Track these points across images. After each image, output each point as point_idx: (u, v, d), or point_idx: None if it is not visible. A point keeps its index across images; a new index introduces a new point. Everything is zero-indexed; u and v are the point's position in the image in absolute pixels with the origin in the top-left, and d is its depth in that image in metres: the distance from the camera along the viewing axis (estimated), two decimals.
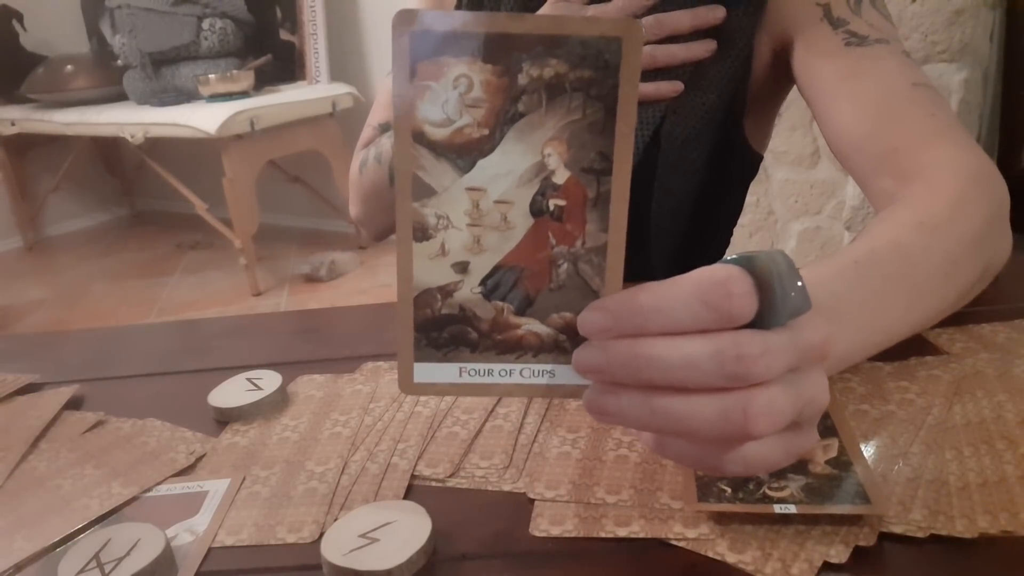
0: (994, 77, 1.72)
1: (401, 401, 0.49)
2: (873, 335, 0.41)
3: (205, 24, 2.86)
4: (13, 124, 3.23)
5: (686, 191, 0.71)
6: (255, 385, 0.51)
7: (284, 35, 3.09)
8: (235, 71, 2.80)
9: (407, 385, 0.35)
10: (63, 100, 3.13)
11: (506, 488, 0.40)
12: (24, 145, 3.46)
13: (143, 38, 2.85)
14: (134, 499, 0.42)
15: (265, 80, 2.93)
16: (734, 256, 0.30)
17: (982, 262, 0.48)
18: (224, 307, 2.73)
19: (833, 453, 0.38)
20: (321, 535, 0.37)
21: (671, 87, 0.66)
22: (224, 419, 0.49)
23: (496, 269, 0.33)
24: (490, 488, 0.40)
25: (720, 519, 0.35)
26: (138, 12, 2.85)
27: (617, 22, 0.30)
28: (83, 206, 3.96)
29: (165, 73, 2.90)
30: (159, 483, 0.43)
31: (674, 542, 0.34)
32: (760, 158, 0.76)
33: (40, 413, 0.52)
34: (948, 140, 0.54)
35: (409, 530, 0.35)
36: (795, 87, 0.68)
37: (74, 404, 0.54)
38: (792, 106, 1.79)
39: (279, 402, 0.51)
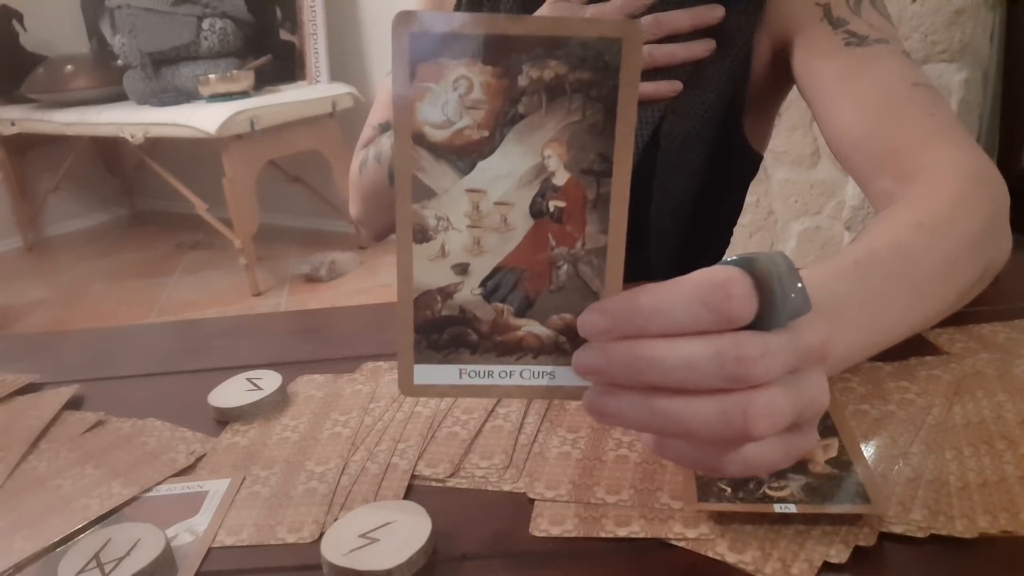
0: (994, 77, 1.72)
1: (401, 401, 0.49)
2: (873, 335, 0.41)
3: (205, 24, 2.86)
4: (13, 124, 3.23)
5: (685, 191, 0.71)
6: (255, 385, 0.51)
7: (284, 35, 3.08)
8: (235, 71, 2.80)
9: (407, 387, 0.35)
10: (63, 100, 3.13)
11: (506, 488, 0.40)
12: (24, 145, 3.46)
13: (143, 38, 2.85)
14: (134, 499, 0.42)
15: (265, 80, 2.93)
16: (734, 257, 0.30)
17: (982, 262, 0.48)
18: (224, 307, 2.73)
19: (833, 453, 0.38)
20: (321, 535, 0.37)
21: (670, 86, 0.66)
22: (224, 419, 0.49)
23: (496, 271, 0.33)
24: (490, 488, 0.40)
25: (720, 519, 0.35)
26: (138, 12, 2.85)
27: (617, 23, 0.30)
28: (83, 206, 3.96)
29: (165, 73, 2.90)
30: (159, 483, 0.43)
31: (674, 542, 0.34)
32: (760, 158, 0.76)
33: (40, 413, 0.52)
34: (948, 140, 0.54)
35: (409, 530, 0.35)
36: (795, 87, 0.68)
37: (74, 404, 0.54)
38: (792, 106, 1.79)
39: (279, 402, 0.51)
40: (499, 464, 0.41)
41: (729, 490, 0.36)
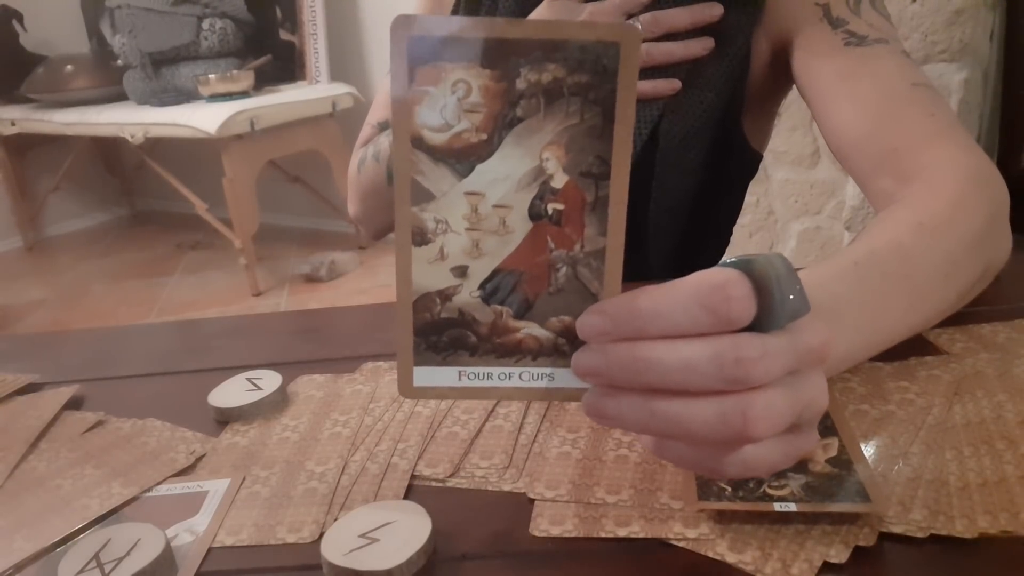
0: (994, 77, 1.72)
1: (401, 401, 0.49)
2: (873, 336, 0.41)
3: (205, 24, 2.86)
4: (13, 124, 3.23)
5: (684, 190, 0.71)
6: (255, 385, 0.51)
7: (284, 35, 3.08)
8: (235, 71, 2.80)
9: (407, 389, 0.35)
10: (63, 100, 3.13)
11: (506, 488, 0.40)
12: (24, 145, 3.46)
13: (143, 38, 2.85)
14: (134, 499, 0.42)
15: (265, 80, 2.93)
16: (733, 259, 0.30)
17: (982, 262, 0.48)
18: (224, 307, 2.73)
19: (833, 452, 0.38)
20: (321, 535, 0.37)
21: (669, 85, 0.66)
22: (224, 419, 0.49)
23: (495, 273, 0.33)
24: (490, 488, 0.40)
25: (720, 519, 0.35)
26: (138, 12, 2.85)
27: (615, 27, 0.30)
28: (83, 206, 3.96)
29: (165, 73, 2.90)
30: (159, 483, 0.43)
31: (674, 542, 0.34)
32: (760, 157, 0.76)
33: (40, 413, 0.52)
34: (948, 140, 0.54)
35: (409, 530, 0.35)
36: (795, 87, 0.68)
37: (74, 404, 0.54)
38: (792, 106, 1.79)
39: (279, 402, 0.51)
40: (499, 464, 0.41)
41: (729, 489, 0.36)
